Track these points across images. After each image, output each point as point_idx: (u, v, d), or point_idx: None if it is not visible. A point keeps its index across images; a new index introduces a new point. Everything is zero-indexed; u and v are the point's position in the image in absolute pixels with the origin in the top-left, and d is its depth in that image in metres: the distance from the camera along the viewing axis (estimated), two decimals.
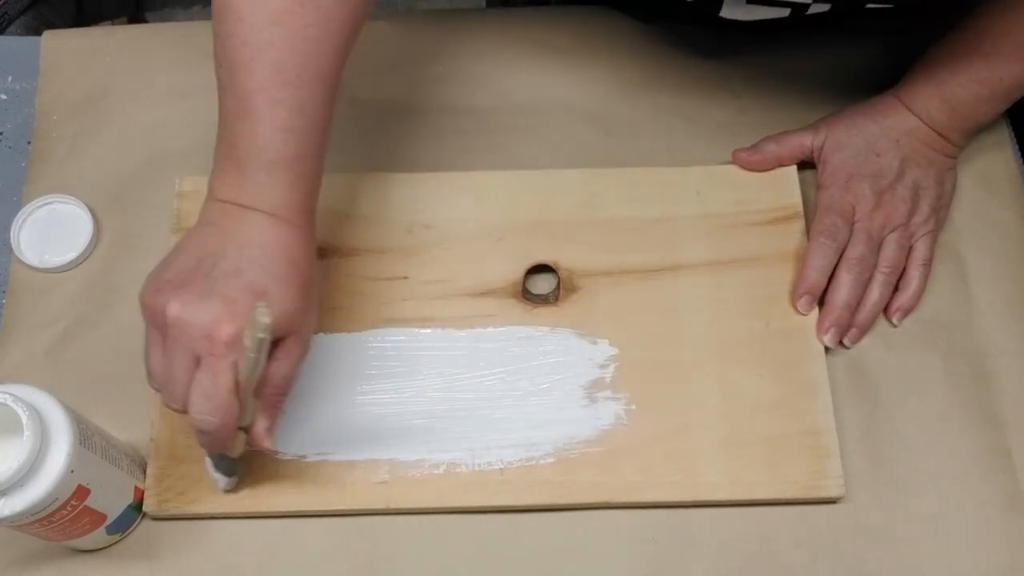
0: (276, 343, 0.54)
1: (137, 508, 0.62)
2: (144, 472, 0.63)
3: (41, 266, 0.71)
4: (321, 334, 0.67)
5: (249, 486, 0.63)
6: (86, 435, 0.55)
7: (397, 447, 0.64)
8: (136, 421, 0.65)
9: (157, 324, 0.53)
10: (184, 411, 0.53)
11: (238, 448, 0.56)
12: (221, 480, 0.61)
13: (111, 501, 0.59)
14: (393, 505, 0.63)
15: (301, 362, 0.56)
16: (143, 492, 0.62)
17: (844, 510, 0.64)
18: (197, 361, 0.52)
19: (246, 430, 0.55)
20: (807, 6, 0.67)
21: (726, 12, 0.71)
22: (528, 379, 0.66)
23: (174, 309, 0.52)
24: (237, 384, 0.52)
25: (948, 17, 0.68)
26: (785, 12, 0.70)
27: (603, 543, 0.63)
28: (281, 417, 0.56)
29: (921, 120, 0.69)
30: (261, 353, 0.51)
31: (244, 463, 0.62)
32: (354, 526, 0.63)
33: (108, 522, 0.60)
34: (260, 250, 0.54)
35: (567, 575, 0.62)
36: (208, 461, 0.61)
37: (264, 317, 0.49)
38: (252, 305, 0.51)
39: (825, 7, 0.68)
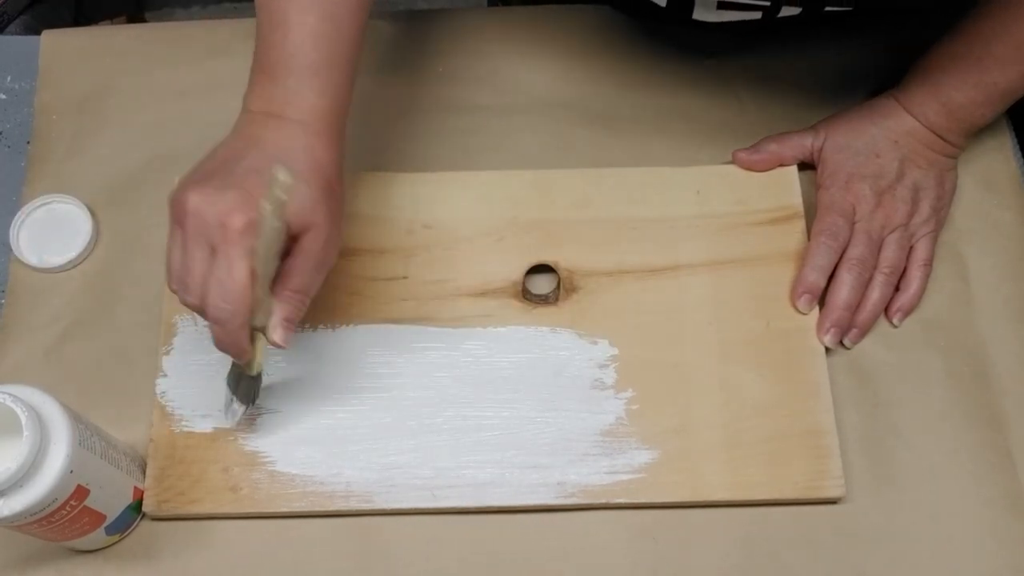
0: (294, 240, 0.54)
1: (136, 508, 0.62)
2: (144, 472, 0.63)
3: (40, 266, 0.71)
4: (320, 328, 0.67)
5: (249, 486, 0.63)
6: (85, 435, 0.55)
7: (396, 447, 0.64)
8: (136, 421, 0.65)
9: (179, 220, 0.54)
10: (200, 305, 0.53)
11: (253, 359, 0.57)
12: (235, 407, 0.61)
13: (110, 501, 0.59)
14: (393, 505, 0.63)
15: (322, 268, 0.56)
16: (143, 492, 0.62)
17: (844, 510, 0.64)
18: (214, 253, 0.53)
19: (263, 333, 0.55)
20: (778, 9, 0.66)
21: (698, 15, 0.71)
22: (527, 379, 0.66)
23: (193, 202, 0.53)
24: (253, 273, 0.52)
25: (948, 17, 0.68)
26: (756, 15, 0.70)
27: (603, 543, 0.63)
28: (297, 320, 0.56)
29: (919, 122, 0.69)
30: (277, 229, 0.50)
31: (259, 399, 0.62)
32: (354, 526, 0.63)
33: (107, 522, 0.59)
34: (284, 152, 0.55)
35: (567, 575, 0.62)
36: (227, 388, 0.61)
37: (283, 175, 0.48)
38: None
39: (795, 11, 0.67)
